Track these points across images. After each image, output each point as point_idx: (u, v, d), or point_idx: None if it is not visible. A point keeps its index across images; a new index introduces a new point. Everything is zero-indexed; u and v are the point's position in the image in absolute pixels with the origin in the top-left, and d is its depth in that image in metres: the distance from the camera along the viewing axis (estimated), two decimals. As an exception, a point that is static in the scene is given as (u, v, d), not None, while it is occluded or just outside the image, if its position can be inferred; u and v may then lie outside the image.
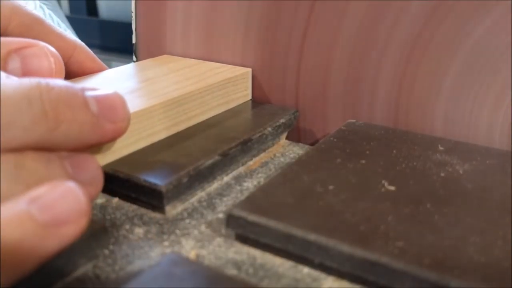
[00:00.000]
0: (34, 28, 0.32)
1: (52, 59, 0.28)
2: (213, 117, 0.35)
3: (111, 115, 0.24)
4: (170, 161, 0.28)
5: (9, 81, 0.21)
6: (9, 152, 0.20)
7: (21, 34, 0.31)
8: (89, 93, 0.23)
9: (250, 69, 0.39)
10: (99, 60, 0.37)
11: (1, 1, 0.31)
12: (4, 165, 0.20)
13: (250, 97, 0.40)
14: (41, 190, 0.19)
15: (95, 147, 0.26)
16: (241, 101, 0.39)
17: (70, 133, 0.22)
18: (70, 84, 0.23)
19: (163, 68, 0.39)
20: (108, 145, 0.27)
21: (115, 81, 0.35)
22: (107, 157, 0.28)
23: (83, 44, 0.36)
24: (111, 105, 0.24)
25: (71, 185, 0.20)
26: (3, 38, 0.28)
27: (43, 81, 0.21)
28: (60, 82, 0.22)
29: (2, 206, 0.19)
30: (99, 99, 0.24)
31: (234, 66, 0.40)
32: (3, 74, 0.22)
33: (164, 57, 0.43)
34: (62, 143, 0.22)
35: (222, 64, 0.40)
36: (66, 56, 0.34)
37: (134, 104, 0.30)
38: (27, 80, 0.21)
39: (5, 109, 0.20)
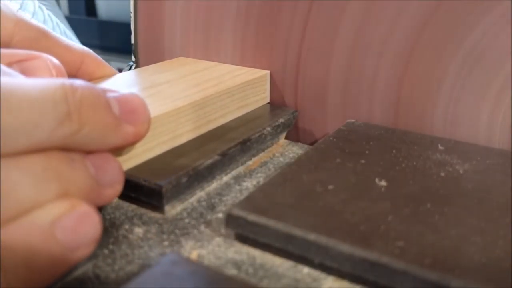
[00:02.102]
0: (39, 42, 0.31)
1: (54, 72, 0.28)
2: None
3: (132, 118, 0.24)
4: (170, 161, 0.28)
5: (33, 83, 0.20)
6: (35, 153, 0.20)
7: (25, 48, 0.30)
8: (110, 94, 0.23)
9: (268, 72, 0.38)
10: (109, 66, 0.37)
11: (5, 15, 0.30)
12: (31, 167, 0.20)
13: (268, 100, 0.39)
14: (61, 209, 0.20)
15: (116, 151, 0.25)
16: (259, 104, 0.38)
17: (93, 135, 0.22)
18: (92, 85, 0.22)
19: (180, 71, 0.38)
20: (128, 149, 0.27)
21: (133, 83, 0.35)
22: (127, 163, 0.27)
23: (91, 52, 0.35)
24: (132, 108, 0.24)
25: (88, 209, 0.21)
26: (6, 50, 0.27)
27: (67, 82, 0.21)
28: (83, 83, 0.22)
29: (28, 224, 0.19)
30: (121, 101, 0.23)
31: (252, 68, 0.39)
32: (20, 75, 0.22)
33: (180, 59, 0.42)
34: (84, 145, 0.22)
35: (240, 67, 0.40)
36: (74, 69, 0.34)
37: (156, 107, 0.29)
38: (51, 81, 0.21)
39: (30, 111, 0.19)
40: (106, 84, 0.35)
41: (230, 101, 0.34)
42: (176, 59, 0.42)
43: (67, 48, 0.34)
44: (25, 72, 0.26)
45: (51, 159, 0.21)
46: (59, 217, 0.20)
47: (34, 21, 0.32)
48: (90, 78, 0.35)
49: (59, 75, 0.28)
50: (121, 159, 0.26)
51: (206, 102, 0.32)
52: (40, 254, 0.19)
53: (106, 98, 0.22)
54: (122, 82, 0.35)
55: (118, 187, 0.24)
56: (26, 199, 0.19)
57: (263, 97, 0.38)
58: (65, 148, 0.21)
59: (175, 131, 0.30)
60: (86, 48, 0.35)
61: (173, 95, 0.32)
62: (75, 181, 0.21)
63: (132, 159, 0.28)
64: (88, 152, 0.23)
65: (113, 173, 0.23)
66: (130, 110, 0.24)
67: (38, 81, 0.20)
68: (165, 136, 0.30)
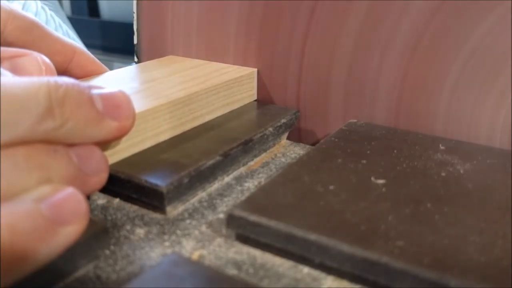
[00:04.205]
0: (31, 32, 0.32)
1: (43, 68, 0.29)
2: (215, 117, 0.35)
3: (116, 113, 0.24)
4: (171, 162, 0.29)
5: (18, 80, 0.21)
6: (18, 145, 0.21)
7: (18, 38, 0.31)
8: (95, 91, 0.24)
9: (255, 69, 0.39)
10: (100, 63, 0.37)
11: None
12: (13, 157, 0.20)
13: (255, 97, 0.40)
14: (45, 191, 0.21)
15: (101, 146, 0.26)
16: (246, 101, 0.38)
17: (76, 129, 0.22)
18: (77, 81, 0.23)
19: (169, 69, 0.39)
20: (113, 144, 0.27)
21: (121, 81, 0.35)
22: (112, 157, 0.28)
23: (82, 47, 0.36)
24: (116, 103, 0.24)
25: (72, 189, 0.21)
26: None
27: (52, 79, 0.22)
28: (68, 80, 0.22)
29: (12, 203, 0.20)
30: (105, 97, 0.24)
31: (240, 66, 0.40)
32: (9, 73, 0.23)
33: (170, 57, 0.43)
34: (67, 138, 0.22)
35: (228, 65, 0.40)
36: (66, 60, 0.35)
37: (140, 104, 0.30)
38: (35, 79, 0.21)
39: (13, 108, 0.20)
40: (95, 82, 0.35)
41: (215, 98, 0.35)
42: (166, 58, 0.43)
43: (59, 40, 0.34)
44: (16, 69, 0.27)
45: (33, 150, 0.21)
46: (43, 196, 0.20)
47: (27, 13, 0.33)
48: (82, 72, 0.36)
49: (48, 71, 0.29)
50: (106, 153, 0.27)
51: (191, 99, 0.33)
52: (26, 230, 0.19)
53: (89, 94, 0.23)
54: (111, 80, 0.36)
55: (103, 175, 0.25)
56: (8, 187, 0.20)
57: (250, 94, 0.39)
58: (50, 141, 0.22)
59: (159, 127, 0.31)
60: (77, 43, 0.36)
61: (159, 92, 0.32)
62: (58, 170, 0.22)
63: (116, 154, 0.28)
64: (73, 144, 0.23)
65: (97, 162, 0.24)
66: (114, 106, 0.24)
67: (24, 80, 0.21)
68: (149, 132, 0.30)
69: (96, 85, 0.24)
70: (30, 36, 0.32)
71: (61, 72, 0.34)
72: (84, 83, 0.23)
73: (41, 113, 0.21)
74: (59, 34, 0.35)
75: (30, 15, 0.33)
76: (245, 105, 0.38)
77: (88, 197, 0.27)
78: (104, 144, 0.26)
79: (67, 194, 0.21)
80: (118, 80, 0.36)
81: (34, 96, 0.21)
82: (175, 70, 0.38)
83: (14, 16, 0.31)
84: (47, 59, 0.29)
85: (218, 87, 0.35)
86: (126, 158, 0.29)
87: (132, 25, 0.45)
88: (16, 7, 0.81)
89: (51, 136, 0.22)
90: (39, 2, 0.86)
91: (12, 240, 0.19)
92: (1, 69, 0.23)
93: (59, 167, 0.22)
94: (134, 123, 0.26)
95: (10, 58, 0.28)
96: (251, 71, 0.39)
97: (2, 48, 0.28)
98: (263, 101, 0.40)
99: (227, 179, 0.31)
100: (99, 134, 0.24)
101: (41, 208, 0.20)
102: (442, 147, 0.30)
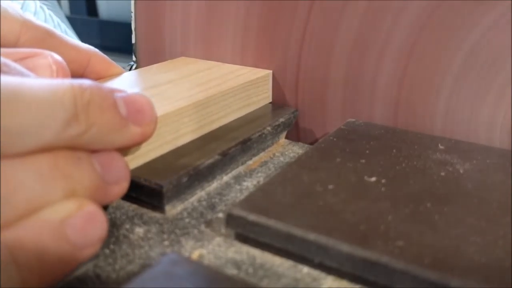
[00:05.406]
0: (45, 41, 0.31)
1: (54, 67, 0.28)
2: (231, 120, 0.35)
3: (139, 118, 0.23)
4: (170, 161, 0.28)
5: (42, 83, 0.20)
6: (42, 152, 0.20)
7: (32, 48, 0.31)
8: (118, 95, 0.23)
9: (271, 71, 0.39)
10: (116, 65, 0.37)
11: (11, 16, 0.30)
12: (38, 166, 0.20)
13: (270, 99, 0.39)
14: (69, 208, 0.20)
15: (121, 151, 0.25)
16: (261, 104, 0.38)
17: (100, 135, 0.22)
18: (101, 85, 0.22)
19: (183, 70, 0.38)
20: (133, 149, 0.27)
21: (137, 83, 0.35)
22: (133, 162, 0.27)
23: (97, 51, 0.35)
24: (139, 108, 0.24)
25: (96, 209, 0.21)
26: (7, 49, 0.27)
27: (76, 82, 0.21)
28: (92, 83, 0.22)
29: (38, 223, 0.20)
30: (127, 101, 0.23)
31: (254, 68, 0.39)
32: (31, 73, 0.22)
33: (182, 59, 0.42)
34: (90, 144, 0.22)
35: (242, 66, 0.40)
36: (81, 67, 0.34)
37: (160, 107, 0.29)
38: (60, 83, 0.20)
39: (38, 113, 0.19)
40: (110, 84, 0.35)
41: (233, 100, 0.34)
42: (178, 59, 0.42)
43: (74, 47, 0.34)
44: (27, 69, 0.27)
45: (58, 159, 0.20)
46: (69, 216, 0.20)
47: (40, 22, 0.32)
48: (98, 77, 0.35)
49: (60, 70, 0.28)
50: (125, 159, 0.26)
51: (209, 102, 0.32)
52: (51, 252, 0.19)
53: (113, 99, 0.22)
54: (126, 82, 0.35)
55: (124, 185, 0.24)
56: (34, 198, 0.20)
57: (265, 96, 0.38)
58: (72, 147, 0.21)
59: (179, 130, 0.30)
60: (92, 48, 0.35)
61: (176, 95, 0.32)
62: (82, 180, 0.21)
63: (136, 159, 0.28)
64: (94, 151, 0.22)
65: (119, 171, 0.23)
66: (136, 110, 0.23)
67: (48, 82, 0.20)
68: (169, 136, 0.30)
69: (118, 88, 0.23)
70: (44, 46, 0.31)
71: (77, 78, 0.33)
72: (106, 86, 0.23)
73: (67, 118, 0.20)
74: (74, 40, 0.34)
75: (43, 23, 0.32)
76: (260, 108, 0.38)
77: (105, 208, 0.26)
78: (124, 150, 0.26)
79: (91, 214, 0.21)
80: (134, 82, 0.35)
81: (60, 100, 0.20)
82: (190, 72, 0.38)
83: (28, 27, 0.31)
84: (59, 58, 0.28)
85: (235, 89, 0.35)
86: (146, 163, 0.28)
87: (130, 24, 0.45)
88: (15, 6, 0.81)
89: (75, 142, 0.21)
90: (37, 1, 0.86)
91: (38, 262, 0.19)
92: (24, 69, 0.22)
93: (83, 177, 0.21)
94: (155, 128, 0.25)
95: (21, 59, 0.27)
96: (267, 73, 0.38)
97: (15, 49, 0.27)
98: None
99: (226, 178, 0.31)
100: (122, 140, 0.23)
101: (67, 233, 0.20)
102: (441, 147, 0.30)
